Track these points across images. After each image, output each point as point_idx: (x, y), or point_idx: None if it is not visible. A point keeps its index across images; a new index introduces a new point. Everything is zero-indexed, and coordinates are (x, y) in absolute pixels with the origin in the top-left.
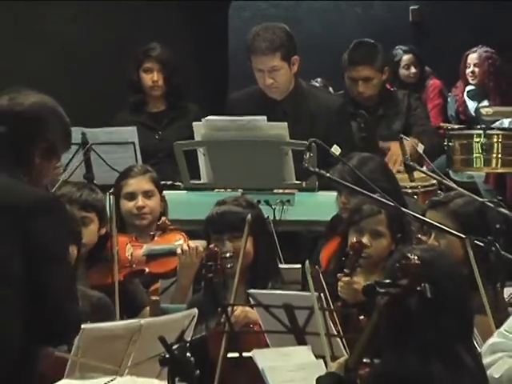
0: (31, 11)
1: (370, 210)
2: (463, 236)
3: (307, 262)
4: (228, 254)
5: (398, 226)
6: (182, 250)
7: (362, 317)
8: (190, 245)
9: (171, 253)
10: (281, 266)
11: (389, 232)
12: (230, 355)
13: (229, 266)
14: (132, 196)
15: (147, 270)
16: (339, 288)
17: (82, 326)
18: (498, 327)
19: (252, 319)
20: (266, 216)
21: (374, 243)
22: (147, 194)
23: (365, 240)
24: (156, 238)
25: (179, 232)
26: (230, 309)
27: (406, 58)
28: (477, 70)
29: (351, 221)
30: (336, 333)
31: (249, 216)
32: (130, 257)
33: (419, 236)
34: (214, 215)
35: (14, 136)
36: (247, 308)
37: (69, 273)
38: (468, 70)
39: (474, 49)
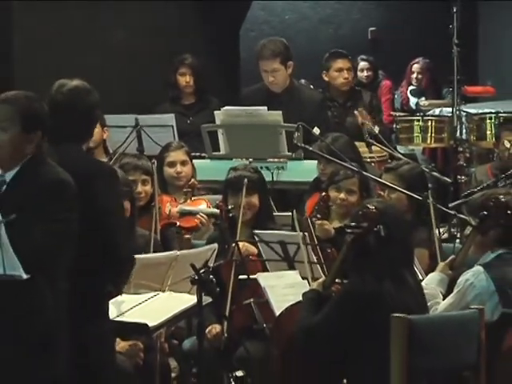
0: (94, 23)
1: (346, 174)
2: (410, 193)
3: (294, 211)
4: (230, 207)
5: (365, 187)
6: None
7: (330, 250)
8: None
9: (195, 213)
10: (275, 213)
11: (359, 191)
12: (240, 277)
13: (230, 215)
14: (173, 164)
15: (178, 223)
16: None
17: (136, 256)
18: (431, 258)
19: (250, 251)
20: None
21: (348, 198)
22: (183, 163)
23: (342, 195)
24: (188, 202)
25: (204, 199)
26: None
27: (361, 64)
28: (420, 76)
29: (332, 181)
30: (316, 261)
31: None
32: (168, 212)
33: (379, 192)
34: (233, 178)
35: (76, 121)
36: (246, 243)
37: (124, 222)
38: (413, 76)
39: (417, 60)
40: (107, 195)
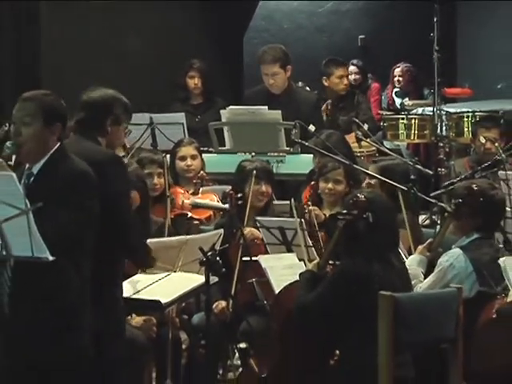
0: (108, 32)
1: (333, 166)
2: (393, 184)
3: (292, 199)
4: (239, 195)
5: (351, 177)
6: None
7: (321, 233)
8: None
9: (206, 206)
10: (275, 202)
11: (345, 181)
12: (244, 259)
13: (239, 202)
14: (183, 158)
15: (190, 214)
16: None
17: (150, 240)
18: (413, 241)
19: (256, 236)
20: None
21: (336, 187)
22: (193, 157)
23: (330, 185)
24: (199, 195)
25: (213, 193)
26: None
27: (351, 68)
28: (401, 79)
29: (321, 173)
30: (311, 244)
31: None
32: (181, 203)
33: (369, 181)
34: (253, 168)
35: (93, 115)
36: (253, 229)
37: (130, 208)
38: (395, 79)
39: (398, 64)
40: (115, 180)
